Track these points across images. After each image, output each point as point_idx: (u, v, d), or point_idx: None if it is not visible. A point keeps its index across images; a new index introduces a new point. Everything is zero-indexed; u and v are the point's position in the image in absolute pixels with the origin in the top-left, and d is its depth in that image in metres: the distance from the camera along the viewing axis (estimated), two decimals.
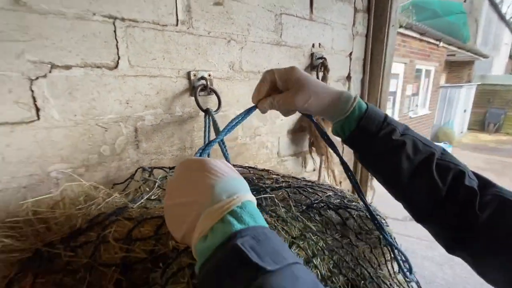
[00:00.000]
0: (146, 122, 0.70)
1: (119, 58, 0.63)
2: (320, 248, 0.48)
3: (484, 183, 0.42)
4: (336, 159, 1.40)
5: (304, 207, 0.56)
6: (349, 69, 1.31)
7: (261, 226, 0.28)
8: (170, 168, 0.70)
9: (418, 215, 0.45)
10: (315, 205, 0.60)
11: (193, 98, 0.76)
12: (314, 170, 1.27)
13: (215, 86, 0.80)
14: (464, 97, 7.98)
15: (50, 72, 0.55)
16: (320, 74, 1.10)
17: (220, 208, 0.29)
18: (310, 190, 0.67)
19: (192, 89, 0.76)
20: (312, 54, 1.09)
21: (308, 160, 1.23)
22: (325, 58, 1.09)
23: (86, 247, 0.43)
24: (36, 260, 0.41)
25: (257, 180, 0.73)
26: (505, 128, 9.20)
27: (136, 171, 0.66)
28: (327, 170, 1.19)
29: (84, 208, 0.51)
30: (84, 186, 0.56)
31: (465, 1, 8.67)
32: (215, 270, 0.24)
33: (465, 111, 8.47)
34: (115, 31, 0.61)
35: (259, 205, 0.50)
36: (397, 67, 5.30)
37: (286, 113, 0.51)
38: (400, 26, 4.64)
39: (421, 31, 5.31)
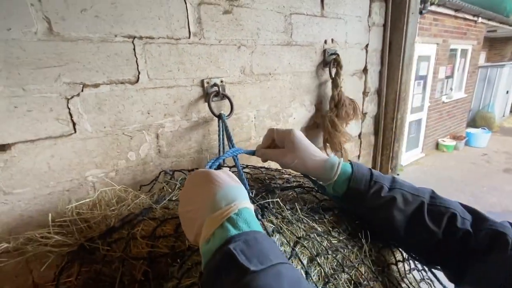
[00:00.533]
0: (166, 129, 0.77)
1: (139, 73, 0.70)
2: (324, 248, 0.52)
3: (477, 218, 0.45)
4: (353, 154, 1.40)
5: (308, 208, 0.60)
6: (365, 62, 1.28)
7: (254, 231, 0.33)
8: (189, 171, 0.77)
9: (422, 259, 0.52)
10: (322, 205, 0.63)
11: (207, 104, 0.81)
12: None
13: (228, 91, 0.85)
14: (507, 76, 7.22)
15: (82, 91, 0.63)
16: (333, 71, 1.09)
17: (220, 215, 0.34)
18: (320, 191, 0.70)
19: (206, 96, 0.81)
20: (324, 51, 1.09)
21: None
22: (338, 54, 1.08)
23: (119, 242, 0.51)
24: (80, 253, 0.50)
25: (269, 180, 0.78)
26: None
27: (160, 174, 0.74)
28: None
29: (116, 209, 0.59)
30: (116, 189, 0.65)
31: None
32: (214, 270, 0.29)
33: (507, 92, 7.69)
34: (134, 49, 0.68)
35: (265, 207, 0.55)
36: (427, 49, 4.94)
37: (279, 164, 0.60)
38: (431, 4, 4.30)
39: (455, 7, 4.87)
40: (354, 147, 1.39)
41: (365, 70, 1.30)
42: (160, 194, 0.68)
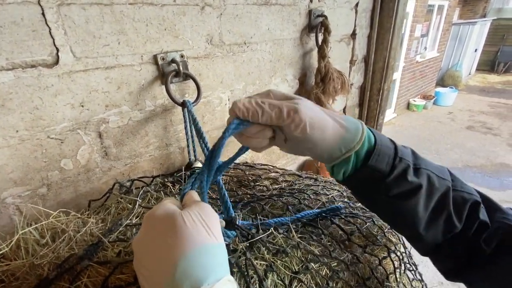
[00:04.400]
0: (111, 124, 0.58)
1: (57, 50, 0.49)
2: (323, 277, 0.43)
3: (489, 206, 0.36)
4: None
5: (305, 223, 0.49)
6: (355, 25, 1.11)
7: None
8: (153, 177, 0.61)
9: (425, 251, 0.39)
10: (318, 219, 0.53)
11: (165, 87, 0.63)
12: None
13: (192, 68, 0.66)
14: (477, 35, 7.34)
15: None
16: (320, 37, 0.92)
17: None
18: (312, 196, 0.59)
19: (162, 77, 0.62)
20: (310, 12, 0.89)
21: None
22: (325, 16, 0.90)
23: None
24: None
25: (253, 182, 0.65)
26: None
27: (113, 186, 0.57)
28: None
29: (52, 249, 0.44)
30: (50, 216, 0.48)
31: None
32: None
33: (475, 50, 7.91)
34: (43, 14, 0.46)
35: (255, 240, 0.43)
36: (407, 4, 4.73)
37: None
38: None
39: None
40: None
41: (353, 35, 1.13)
42: (114, 215, 0.53)
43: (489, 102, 6.51)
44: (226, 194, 0.42)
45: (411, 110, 6.19)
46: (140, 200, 0.54)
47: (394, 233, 0.57)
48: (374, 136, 0.34)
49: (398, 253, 0.54)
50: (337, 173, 0.35)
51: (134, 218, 0.50)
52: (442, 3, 5.82)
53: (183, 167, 0.68)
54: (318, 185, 0.66)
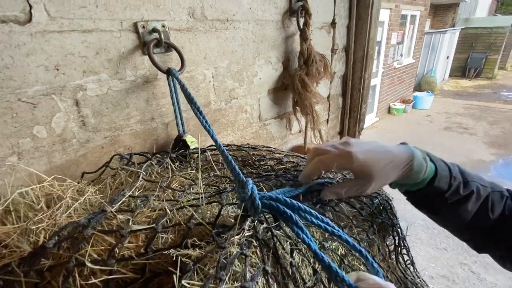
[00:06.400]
0: (89, 92, 0.56)
1: (30, 7, 0.47)
2: (340, 256, 0.43)
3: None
4: (322, 118, 1.32)
5: (318, 205, 0.48)
6: (334, 14, 1.15)
7: None
8: (153, 155, 0.58)
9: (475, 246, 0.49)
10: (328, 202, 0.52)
11: (146, 57, 0.61)
12: (300, 131, 1.19)
13: (174, 41, 0.65)
14: (448, 43, 7.83)
15: None
16: (301, 20, 0.94)
17: None
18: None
19: (143, 46, 0.61)
20: None
21: (293, 122, 1.14)
22: (305, 0, 0.93)
23: (55, 270, 0.33)
24: None
25: (258, 162, 0.63)
26: (484, 73, 9.31)
27: (112, 158, 0.54)
28: (313, 131, 1.11)
29: (48, 215, 0.40)
30: (44, 181, 0.44)
31: None
32: None
33: (447, 57, 8.41)
34: None
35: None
36: (382, 14, 5.00)
37: None
38: None
39: None
40: (323, 110, 1.30)
41: (333, 24, 1.17)
42: (112, 188, 0.50)
43: (463, 104, 6.88)
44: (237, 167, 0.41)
45: (392, 114, 6.42)
46: (144, 173, 0.51)
47: (394, 214, 0.57)
48: (434, 163, 0.43)
49: (399, 232, 0.55)
50: (397, 187, 0.48)
51: (137, 191, 0.47)
52: (414, 13, 6.20)
53: (173, 140, 0.66)
54: None
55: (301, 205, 0.35)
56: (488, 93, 7.91)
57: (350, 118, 1.47)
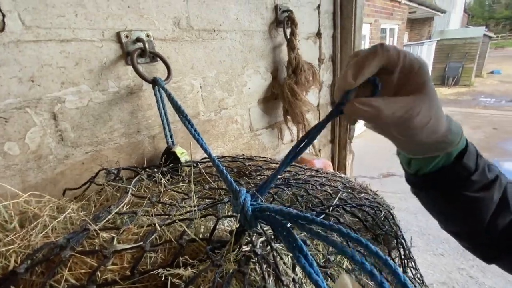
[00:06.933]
0: (68, 104, 0.52)
1: (3, 15, 0.44)
2: (346, 270, 0.39)
3: None
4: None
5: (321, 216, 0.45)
6: (319, 25, 1.17)
7: None
8: (143, 169, 0.54)
9: (485, 249, 0.40)
10: (332, 211, 0.49)
11: (130, 67, 0.59)
12: (291, 140, 1.17)
13: (159, 51, 0.63)
14: (426, 53, 8.23)
15: None
16: (288, 31, 0.95)
17: None
18: (318, 187, 0.56)
19: (126, 56, 0.58)
20: (276, 7, 0.93)
21: (284, 131, 1.12)
22: (291, 11, 0.94)
23: None
24: None
25: (255, 172, 0.61)
26: (462, 81, 9.77)
27: (97, 174, 0.50)
28: None
29: (21, 236, 0.35)
30: (19, 197, 0.39)
31: None
32: None
33: None
34: None
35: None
36: (363, 28, 5.23)
37: (372, 126, 0.33)
38: None
39: None
40: (313, 119, 1.30)
41: (319, 34, 1.19)
42: (97, 205, 0.46)
43: (446, 111, 7.06)
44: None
45: None
46: (134, 188, 0.47)
47: (397, 224, 0.55)
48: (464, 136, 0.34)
49: (404, 244, 0.52)
50: (416, 166, 0.36)
51: (125, 207, 0.43)
52: (392, 27, 6.52)
53: (162, 153, 0.62)
54: (321, 176, 0.64)
55: (300, 213, 0.31)
56: (467, 99, 8.26)
57: (341, 127, 1.47)
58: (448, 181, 0.35)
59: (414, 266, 0.55)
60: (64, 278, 0.30)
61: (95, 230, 0.36)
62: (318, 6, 1.14)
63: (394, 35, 6.75)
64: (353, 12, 1.23)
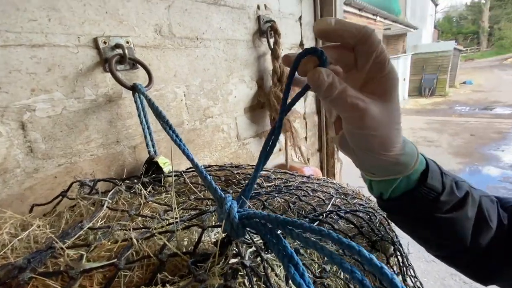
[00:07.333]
0: (39, 113, 0.49)
1: None
2: (343, 280, 0.36)
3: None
4: (301, 135, 1.31)
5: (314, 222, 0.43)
6: (301, 36, 1.20)
7: None
8: (122, 180, 0.50)
9: (473, 268, 0.38)
10: (326, 217, 0.47)
11: (109, 74, 0.56)
12: (280, 149, 1.16)
13: (140, 57, 0.61)
14: (402, 67, 8.68)
15: None
16: (271, 40, 0.96)
17: None
18: (310, 193, 0.54)
19: (105, 62, 0.56)
20: (258, 17, 0.94)
21: None
22: (274, 21, 0.95)
23: None
24: None
25: (243, 180, 0.58)
26: (438, 91, 10.31)
27: (70, 186, 0.45)
28: (293, 148, 1.09)
29: None
30: None
31: None
32: None
33: (404, 79, 9.25)
34: None
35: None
36: None
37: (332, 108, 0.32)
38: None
39: (359, 6, 5.53)
40: (300, 128, 1.30)
41: (301, 45, 1.21)
42: (68, 221, 0.41)
43: (425, 120, 7.43)
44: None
45: None
46: (110, 201, 0.43)
47: (393, 230, 0.53)
48: (423, 155, 0.33)
49: (401, 250, 0.50)
50: (378, 190, 0.35)
51: (99, 221, 0.39)
52: None
53: (144, 162, 0.58)
54: (313, 183, 0.62)
55: (288, 218, 0.27)
56: (444, 108, 8.68)
57: (327, 135, 1.48)
58: (417, 205, 0.33)
59: (413, 274, 0.52)
60: None
61: (61, 248, 0.32)
62: (300, 18, 1.17)
63: None
64: None
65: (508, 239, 0.34)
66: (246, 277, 0.29)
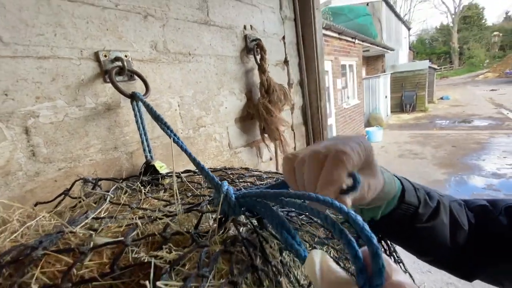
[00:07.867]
0: (42, 119, 0.52)
1: None
2: (333, 258, 0.40)
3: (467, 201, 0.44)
4: (291, 145, 1.36)
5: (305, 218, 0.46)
6: (285, 53, 1.29)
7: None
8: (123, 180, 0.53)
9: (457, 267, 0.42)
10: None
11: (108, 85, 0.60)
12: (270, 159, 1.20)
13: (137, 70, 0.66)
14: (383, 85, 9.15)
15: None
16: (258, 56, 1.04)
17: None
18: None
19: (105, 74, 0.60)
20: (245, 36, 1.03)
21: (263, 149, 1.15)
22: (259, 39, 1.04)
23: None
24: None
25: (237, 179, 0.61)
26: (418, 107, 10.84)
27: (73, 184, 0.47)
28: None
29: None
30: None
31: (367, 5, 10.08)
32: None
33: (386, 97, 9.71)
34: None
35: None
36: (325, 64, 5.77)
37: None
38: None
39: (338, 30, 5.92)
40: (289, 139, 1.36)
41: (286, 62, 1.30)
42: (74, 211, 0.43)
43: (409, 134, 7.72)
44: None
45: None
46: (112, 195, 0.45)
47: None
48: (396, 176, 0.38)
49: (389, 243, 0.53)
50: (367, 217, 0.39)
51: (102, 212, 0.41)
52: (351, 63, 7.25)
53: (141, 166, 0.61)
54: None
55: (277, 190, 0.31)
56: (425, 123, 9.08)
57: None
58: (402, 220, 0.38)
59: (404, 268, 0.55)
60: (35, 277, 0.27)
61: (70, 232, 0.34)
62: (283, 37, 1.27)
63: (353, 70, 7.49)
64: (314, 43, 1.39)
65: (476, 236, 0.39)
66: (244, 247, 0.32)
